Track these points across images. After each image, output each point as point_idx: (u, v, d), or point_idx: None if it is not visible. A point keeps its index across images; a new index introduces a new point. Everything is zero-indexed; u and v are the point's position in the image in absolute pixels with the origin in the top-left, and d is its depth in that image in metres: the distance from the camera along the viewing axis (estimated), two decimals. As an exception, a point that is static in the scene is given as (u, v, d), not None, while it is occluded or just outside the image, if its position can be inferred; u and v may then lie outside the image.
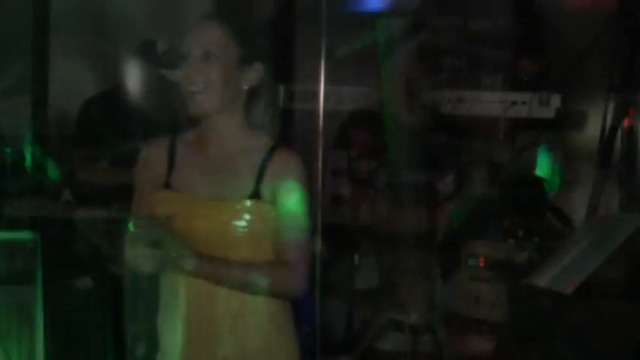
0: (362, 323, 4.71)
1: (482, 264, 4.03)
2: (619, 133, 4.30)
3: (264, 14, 4.90)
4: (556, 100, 4.14)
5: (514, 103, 4.15)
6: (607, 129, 4.27)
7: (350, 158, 4.93)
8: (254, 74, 2.58)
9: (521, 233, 3.99)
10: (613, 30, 4.60)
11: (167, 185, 2.60)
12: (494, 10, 4.53)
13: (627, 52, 4.32)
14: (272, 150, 2.58)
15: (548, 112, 4.16)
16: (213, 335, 2.62)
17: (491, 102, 4.21)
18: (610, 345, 3.57)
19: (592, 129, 4.80)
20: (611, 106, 4.27)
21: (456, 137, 4.76)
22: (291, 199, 2.60)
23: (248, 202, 2.55)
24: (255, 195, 2.55)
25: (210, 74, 2.52)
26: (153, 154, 2.66)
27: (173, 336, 2.68)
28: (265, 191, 2.55)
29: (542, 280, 3.47)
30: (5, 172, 5.15)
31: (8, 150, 5.17)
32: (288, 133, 5.46)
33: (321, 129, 4.17)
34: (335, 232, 4.68)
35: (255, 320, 2.62)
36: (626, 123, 4.32)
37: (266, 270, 2.55)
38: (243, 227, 2.54)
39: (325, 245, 4.15)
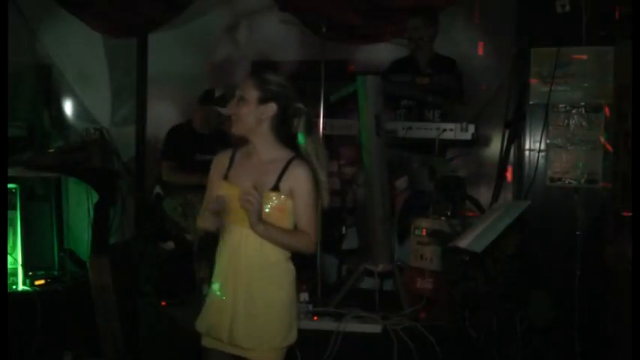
0: (347, 272, 4.71)
1: (424, 233, 4.01)
2: (511, 151, 4.29)
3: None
4: (472, 128, 4.14)
5: (445, 129, 4.14)
6: (504, 147, 4.26)
7: (339, 165, 4.93)
8: (268, 109, 2.62)
9: (449, 213, 3.98)
10: (508, 83, 4.60)
11: (225, 178, 2.68)
12: (432, 71, 4.52)
13: (517, 97, 4.31)
14: (290, 160, 2.63)
15: (467, 136, 4.15)
16: (239, 281, 2.65)
17: (430, 129, 4.20)
18: (506, 285, 3.57)
19: (494, 147, 4.80)
20: (507, 133, 4.26)
21: (408, 152, 4.77)
22: (302, 193, 2.60)
23: (270, 194, 2.58)
24: (275, 189, 2.59)
25: (240, 109, 2.62)
26: (221, 157, 2.76)
27: (216, 280, 2.73)
28: (282, 187, 2.59)
29: (463, 243, 3.45)
30: (118, 175, 5.15)
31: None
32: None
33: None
34: (330, 213, 4.69)
35: (270, 273, 2.66)
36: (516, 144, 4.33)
37: (298, 235, 2.63)
38: (267, 209, 2.57)
39: (323, 222, 4.16)
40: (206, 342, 2.78)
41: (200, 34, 5.72)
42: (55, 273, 4.76)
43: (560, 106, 4.21)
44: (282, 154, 2.67)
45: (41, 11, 5.83)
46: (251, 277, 2.64)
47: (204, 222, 2.76)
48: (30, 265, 4.56)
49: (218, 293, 2.70)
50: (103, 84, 5.88)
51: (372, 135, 4.07)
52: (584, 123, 4.18)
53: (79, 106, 5.93)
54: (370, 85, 4.08)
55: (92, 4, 5.61)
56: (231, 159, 2.73)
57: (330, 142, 4.46)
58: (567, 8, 4.15)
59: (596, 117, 4.16)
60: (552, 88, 4.16)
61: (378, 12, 5.18)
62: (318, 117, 4.19)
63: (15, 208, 4.49)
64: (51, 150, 5.04)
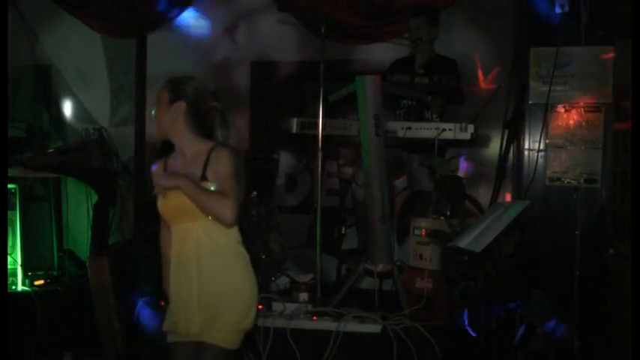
0: (347, 272, 4.71)
1: (423, 233, 4.01)
2: (511, 151, 4.29)
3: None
4: (471, 128, 4.13)
5: (444, 129, 4.13)
6: (503, 147, 4.26)
7: (339, 165, 4.93)
8: (179, 108, 2.77)
9: (448, 213, 3.98)
10: (508, 83, 4.60)
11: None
12: (433, 71, 4.52)
13: (516, 97, 4.31)
14: (211, 149, 2.74)
15: (466, 136, 4.14)
16: (191, 267, 2.75)
17: (429, 129, 4.19)
18: (506, 285, 3.57)
19: (494, 147, 4.80)
20: (506, 133, 4.26)
21: (407, 152, 4.77)
22: (222, 169, 2.70)
23: (207, 184, 2.72)
24: (203, 178, 2.72)
25: (157, 113, 2.82)
26: (155, 171, 2.90)
27: (173, 279, 2.84)
28: (208, 175, 2.72)
29: (462, 243, 3.45)
30: (117, 175, 5.15)
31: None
32: (302, 149, 5.47)
33: (320, 146, 4.18)
34: (330, 212, 4.70)
35: (220, 258, 2.77)
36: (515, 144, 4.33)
37: (216, 196, 2.67)
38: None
39: (323, 221, 4.17)
40: (170, 338, 2.88)
41: (199, 34, 5.71)
42: (55, 273, 4.76)
43: (560, 106, 4.22)
44: (204, 146, 2.79)
45: (41, 12, 5.83)
46: (202, 264, 2.74)
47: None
48: (29, 266, 4.55)
49: (176, 290, 2.81)
50: (102, 84, 5.88)
51: (372, 135, 4.07)
52: (583, 123, 4.19)
53: (78, 107, 5.92)
54: (369, 85, 4.08)
55: (91, 5, 5.60)
56: (164, 167, 2.86)
57: (330, 142, 4.45)
58: (566, 8, 4.15)
59: (595, 117, 4.17)
60: (551, 87, 4.17)
61: (378, 12, 5.18)
62: (318, 117, 4.20)
63: (14, 209, 4.48)
64: (50, 150, 5.04)
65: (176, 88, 2.80)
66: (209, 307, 2.74)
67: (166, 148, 2.88)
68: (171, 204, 2.74)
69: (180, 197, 2.69)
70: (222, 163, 2.70)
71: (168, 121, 2.78)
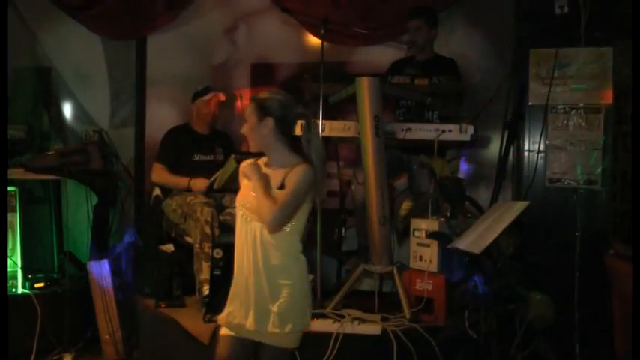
0: (347, 272, 4.71)
1: (423, 234, 4.02)
2: (511, 152, 4.29)
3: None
4: (471, 129, 4.12)
5: (444, 131, 4.13)
6: (503, 149, 4.27)
7: (339, 166, 4.93)
8: (267, 124, 2.91)
9: (448, 214, 3.98)
10: (508, 84, 4.60)
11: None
12: (432, 72, 4.52)
13: (516, 99, 4.31)
14: (296, 165, 2.89)
15: (466, 137, 4.14)
16: (250, 272, 2.87)
17: (429, 130, 4.19)
18: (506, 286, 3.57)
19: (493, 148, 4.80)
20: (505, 134, 4.26)
21: (407, 153, 4.77)
22: (290, 183, 2.85)
23: (277, 191, 2.85)
24: (281, 187, 2.86)
25: (245, 129, 2.97)
26: (244, 165, 2.98)
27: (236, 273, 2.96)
28: (286, 184, 2.86)
29: (462, 244, 3.46)
30: (117, 176, 5.15)
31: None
32: (301, 150, 5.46)
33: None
34: (329, 214, 4.70)
35: (282, 264, 2.88)
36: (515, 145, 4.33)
37: (269, 202, 2.80)
38: None
39: (323, 223, 4.17)
40: (225, 330, 2.97)
41: (199, 36, 5.72)
42: (55, 275, 4.77)
43: (559, 107, 4.23)
44: (293, 160, 2.93)
45: (41, 14, 5.83)
46: (267, 269, 2.86)
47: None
48: (30, 268, 4.56)
49: (238, 285, 2.92)
50: (102, 86, 5.88)
51: (372, 136, 4.07)
52: (583, 124, 4.19)
53: (78, 109, 5.93)
54: (369, 86, 4.08)
55: (91, 8, 5.61)
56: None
57: (330, 143, 4.46)
58: (566, 9, 4.16)
59: (595, 118, 4.17)
60: (551, 88, 4.17)
61: (378, 14, 5.18)
62: (318, 118, 4.20)
63: (14, 211, 4.49)
64: (50, 152, 5.04)
65: (262, 105, 2.93)
66: (270, 309, 2.84)
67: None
68: (243, 200, 2.91)
69: (252, 197, 2.86)
70: (292, 178, 2.84)
71: (259, 137, 2.93)
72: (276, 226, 2.81)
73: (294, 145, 2.95)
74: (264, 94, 2.98)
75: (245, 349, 2.93)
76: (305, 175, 2.84)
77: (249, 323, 2.84)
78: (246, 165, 2.97)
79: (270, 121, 2.89)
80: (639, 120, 3.47)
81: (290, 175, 2.85)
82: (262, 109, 2.91)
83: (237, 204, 2.97)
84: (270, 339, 2.86)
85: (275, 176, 2.90)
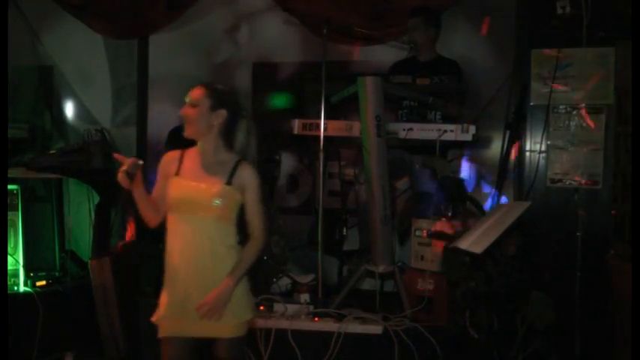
0: (348, 272, 4.71)
1: (425, 234, 4.02)
2: (512, 152, 4.30)
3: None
4: (472, 129, 4.13)
5: (446, 131, 4.14)
6: (504, 149, 4.27)
7: (340, 166, 4.93)
8: (219, 116, 2.88)
9: (450, 214, 3.98)
10: (509, 85, 4.61)
11: (177, 174, 2.93)
12: (434, 73, 4.53)
13: (517, 100, 4.31)
14: (238, 162, 2.91)
15: (468, 137, 4.15)
16: (191, 265, 2.86)
17: (431, 130, 4.20)
18: (507, 286, 3.58)
19: (495, 149, 4.81)
20: (507, 134, 4.26)
21: (409, 153, 4.77)
22: (251, 191, 2.90)
23: (226, 187, 2.86)
24: (229, 183, 2.86)
25: (193, 114, 2.89)
26: (169, 156, 2.99)
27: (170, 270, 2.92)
28: (234, 182, 2.87)
29: (463, 244, 3.46)
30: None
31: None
32: (303, 150, 5.48)
33: (321, 147, 4.19)
34: (331, 214, 4.71)
35: (220, 256, 2.87)
36: (516, 146, 4.33)
37: (250, 250, 2.91)
38: (219, 201, 2.85)
39: (324, 222, 4.17)
40: (162, 331, 2.92)
41: (201, 35, 5.73)
42: (57, 274, 4.76)
43: (561, 107, 4.23)
44: (229, 156, 2.93)
45: (43, 13, 5.84)
46: (206, 261, 2.85)
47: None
48: (31, 266, 4.56)
49: (174, 280, 2.89)
50: (103, 85, 5.89)
51: (373, 136, 4.08)
52: (584, 124, 4.19)
53: (80, 108, 5.94)
54: (371, 86, 4.09)
55: (93, 6, 5.62)
56: (180, 159, 2.95)
57: (331, 143, 4.46)
58: (568, 9, 4.16)
59: (596, 118, 4.17)
60: (553, 89, 4.17)
61: (379, 13, 5.19)
62: (319, 118, 4.21)
63: (16, 210, 4.49)
64: (52, 151, 5.04)
65: (220, 95, 2.91)
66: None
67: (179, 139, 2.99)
68: (183, 194, 2.86)
69: (193, 187, 2.84)
70: (251, 182, 2.89)
71: (206, 126, 2.89)
72: (265, 235, 2.93)
73: (229, 143, 2.94)
74: (219, 84, 2.96)
75: (187, 349, 2.90)
76: (257, 176, 2.92)
77: (193, 320, 2.82)
78: (170, 160, 2.94)
79: (223, 113, 2.88)
80: (639, 120, 3.48)
81: (243, 178, 2.87)
82: (218, 100, 2.89)
83: (169, 200, 2.88)
84: (218, 332, 2.86)
85: (212, 170, 2.88)
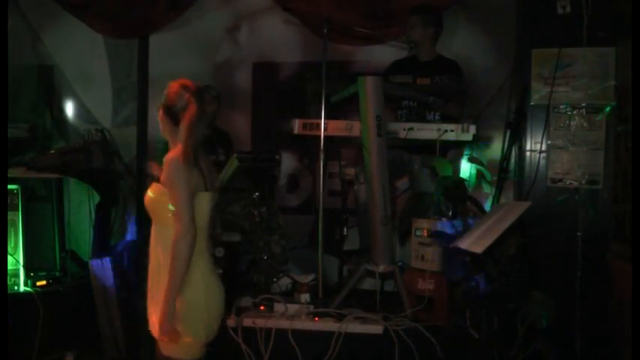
0: (348, 272, 4.71)
1: (425, 234, 4.01)
2: (512, 152, 4.29)
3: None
4: (473, 129, 4.12)
5: (446, 130, 4.13)
6: (505, 149, 4.27)
7: (340, 166, 4.92)
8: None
9: (450, 214, 3.98)
10: (510, 84, 4.61)
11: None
12: (434, 72, 4.53)
13: (518, 99, 4.31)
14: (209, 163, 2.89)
15: (468, 137, 4.14)
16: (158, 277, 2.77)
17: (431, 130, 4.19)
18: (507, 286, 3.57)
19: (496, 148, 4.80)
20: (507, 134, 4.26)
21: (409, 153, 4.77)
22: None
23: (154, 186, 2.81)
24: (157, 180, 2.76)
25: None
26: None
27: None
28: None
29: (464, 244, 3.46)
30: (119, 175, 5.15)
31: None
32: (303, 150, 5.48)
33: (321, 147, 4.19)
34: (331, 213, 4.70)
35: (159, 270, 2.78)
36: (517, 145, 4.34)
37: (173, 262, 2.65)
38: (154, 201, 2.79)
39: (324, 222, 4.17)
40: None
41: (201, 35, 5.73)
42: (57, 274, 4.77)
43: (561, 107, 4.23)
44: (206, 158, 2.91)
45: (43, 13, 5.84)
46: (160, 272, 2.75)
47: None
48: (31, 266, 4.56)
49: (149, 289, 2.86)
50: (104, 85, 5.89)
51: (373, 136, 4.07)
52: (585, 124, 4.19)
53: (80, 107, 5.94)
54: (371, 85, 4.09)
55: (93, 6, 5.61)
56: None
57: (332, 143, 4.46)
58: (568, 9, 4.16)
59: (597, 118, 4.17)
60: (553, 89, 4.17)
61: (380, 13, 5.18)
62: (320, 118, 4.20)
63: (17, 209, 4.49)
64: (52, 151, 5.04)
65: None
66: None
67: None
68: (147, 200, 2.82)
69: (151, 194, 2.77)
70: (164, 173, 2.71)
71: (199, 131, 2.83)
72: (187, 227, 2.70)
73: None
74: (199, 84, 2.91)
75: None
76: (168, 170, 2.74)
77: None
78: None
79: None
80: (639, 120, 3.47)
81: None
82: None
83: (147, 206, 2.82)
84: (165, 349, 2.74)
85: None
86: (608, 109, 4.09)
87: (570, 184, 4.17)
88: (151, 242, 2.82)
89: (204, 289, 2.75)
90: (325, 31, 4.29)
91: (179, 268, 2.62)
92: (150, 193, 2.77)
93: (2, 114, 4.00)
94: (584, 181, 4.16)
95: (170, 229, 2.66)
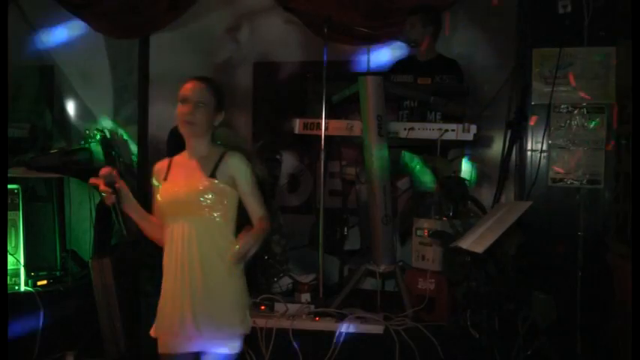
0: (349, 272, 4.71)
1: (426, 234, 4.02)
2: (513, 152, 4.29)
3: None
4: (474, 129, 4.12)
5: (447, 130, 4.13)
6: (506, 148, 4.27)
7: (341, 166, 4.93)
8: (220, 117, 2.85)
9: (451, 214, 3.98)
10: (511, 84, 4.61)
11: (165, 179, 2.83)
12: (434, 72, 4.52)
13: (519, 98, 4.31)
14: (223, 154, 2.79)
15: (469, 137, 4.14)
16: (192, 272, 2.70)
17: (432, 130, 4.19)
18: (508, 286, 3.58)
19: (496, 148, 4.80)
20: (508, 133, 4.26)
21: (410, 153, 4.76)
22: (243, 178, 2.76)
23: (210, 180, 2.73)
24: (212, 176, 2.73)
25: (199, 114, 2.76)
26: (158, 165, 2.91)
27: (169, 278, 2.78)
28: (219, 176, 2.74)
29: (464, 244, 3.46)
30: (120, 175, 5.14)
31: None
32: (304, 150, 5.49)
33: (322, 147, 4.19)
34: (332, 213, 4.70)
35: (221, 260, 2.70)
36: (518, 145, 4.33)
37: (257, 231, 2.69)
38: (209, 195, 2.72)
39: (325, 222, 4.17)
40: (162, 348, 2.78)
41: (202, 34, 5.73)
42: (57, 273, 4.77)
43: (562, 106, 4.22)
44: (215, 150, 2.82)
45: (44, 12, 5.84)
46: (204, 267, 2.70)
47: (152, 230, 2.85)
48: (32, 266, 4.57)
49: (172, 291, 2.74)
50: (104, 84, 5.89)
51: (374, 135, 4.08)
52: (585, 123, 4.19)
53: (81, 107, 5.94)
54: (372, 85, 4.09)
55: (94, 6, 5.62)
56: (169, 165, 2.85)
57: (332, 142, 4.47)
58: (569, 9, 4.16)
59: (597, 117, 4.17)
60: (554, 88, 4.17)
61: (381, 13, 5.18)
62: (321, 117, 4.20)
63: (17, 209, 4.49)
64: (53, 151, 5.05)
65: (221, 96, 2.86)
66: (213, 308, 2.68)
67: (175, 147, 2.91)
68: (170, 196, 2.74)
69: (179, 187, 2.73)
70: (240, 169, 2.74)
71: (208, 126, 2.80)
72: (267, 222, 2.76)
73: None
74: (213, 79, 2.90)
75: None
76: (245, 162, 2.77)
77: (191, 329, 2.66)
78: (160, 169, 2.84)
79: (222, 115, 2.84)
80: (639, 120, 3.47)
81: (231, 168, 2.73)
82: (221, 100, 2.84)
83: (159, 206, 2.78)
84: (212, 346, 2.70)
85: (197, 167, 2.75)
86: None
87: (571, 183, 4.17)
88: (173, 239, 2.73)
89: (245, 281, 2.82)
90: (326, 30, 4.29)
91: (250, 247, 2.66)
92: (196, 185, 2.71)
93: (2, 114, 4.00)
94: (584, 181, 4.16)
95: (221, 227, 2.72)
